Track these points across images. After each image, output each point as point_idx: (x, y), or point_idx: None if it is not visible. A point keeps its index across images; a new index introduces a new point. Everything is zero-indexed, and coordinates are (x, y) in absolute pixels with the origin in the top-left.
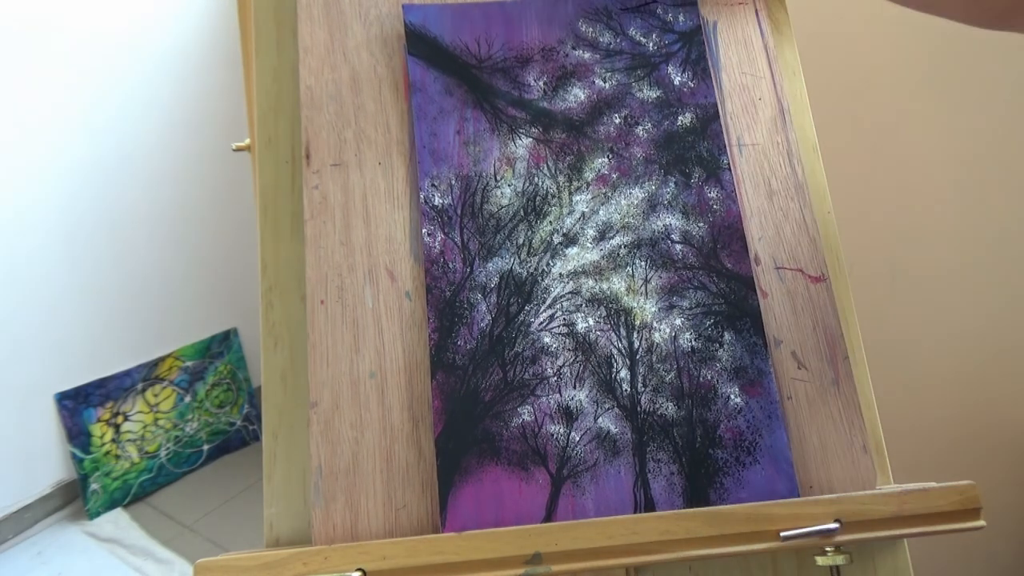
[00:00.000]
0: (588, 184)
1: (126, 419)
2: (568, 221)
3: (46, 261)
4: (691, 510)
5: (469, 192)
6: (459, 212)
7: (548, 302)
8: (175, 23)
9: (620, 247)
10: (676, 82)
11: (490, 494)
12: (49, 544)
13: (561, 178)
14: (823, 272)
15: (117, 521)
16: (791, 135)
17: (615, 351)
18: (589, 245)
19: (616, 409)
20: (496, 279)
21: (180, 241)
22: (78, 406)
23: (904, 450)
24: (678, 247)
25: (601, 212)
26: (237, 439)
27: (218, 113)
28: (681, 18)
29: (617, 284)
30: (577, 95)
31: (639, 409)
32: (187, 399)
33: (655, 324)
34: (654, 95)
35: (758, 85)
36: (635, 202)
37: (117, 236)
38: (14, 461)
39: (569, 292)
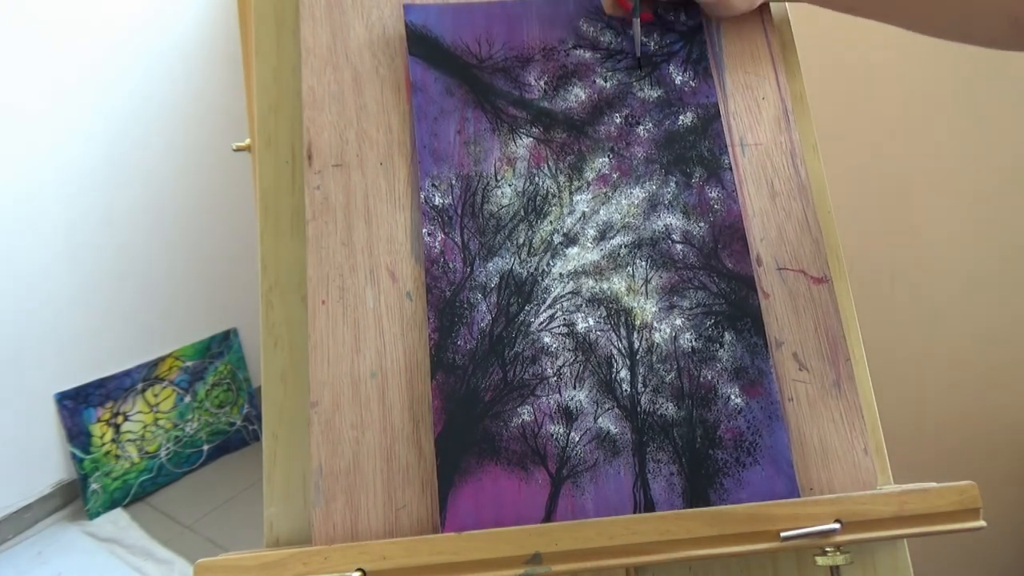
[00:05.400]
0: (589, 184)
1: (126, 419)
2: (568, 221)
3: (46, 261)
4: (691, 510)
5: (469, 192)
6: (459, 212)
7: (548, 302)
8: (175, 22)
9: (620, 247)
10: (677, 81)
11: (490, 494)
12: (49, 544)
13: (562, 178)
14: (825, 273)
15: (117, 521)
16: (794, 135)
17: (615, 351)
18: (589, 245)
19: (616, 409)
20: (496, 279)
21: (180, 241)
22: (78, 406)
23: (904, 450)
24: (679, 247)
25: (602, 212)
26: (237, 439)
27: (218, 113)
28: (683, 17)
29: (617, 284)
30: (578, 95)
31: (639, 409)
32: (187, 399)
33: (655, 324)
34: (655, 95)
35: (761, 85)
36: (636, 202)
37: (117, 236)
38: (14, 461)
39: (569, 292)
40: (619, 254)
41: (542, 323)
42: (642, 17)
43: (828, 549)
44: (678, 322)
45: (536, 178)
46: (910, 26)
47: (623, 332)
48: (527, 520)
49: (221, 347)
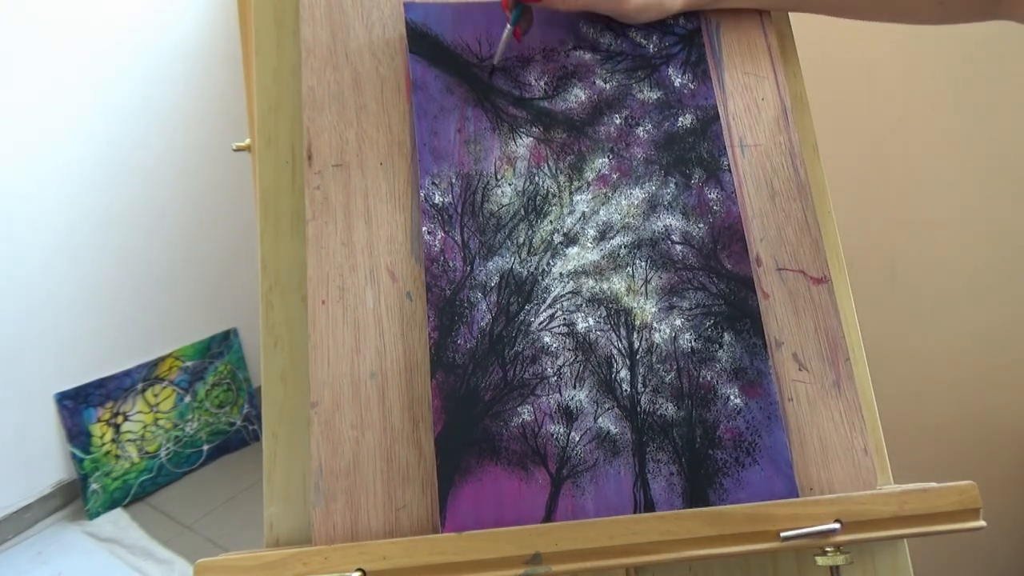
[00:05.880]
0: (589, 184)
1: (126, 419)
2: (568, 221)
3: (46, 261)
4: (691, 510)
5: (469, 191)
6: (459, 211)
7: (548, 302)
8: (175, 22)
9: (620, 247)
10: (676, 83)
11: (490, 494)
12: (49, 544)
13: (562, 178)
14: (825, 273)
15: (117, 521)
16: (793, 135)
17: (615, 351)
18: (589, 245)
19: (616, 409)
20: (496, 278)
21: (180, 241)
22: (78, 406)
23: (904, 450)
24: (678, 248)
25: (601, 212)
26: (237, 439)
27: (218, 113)
28: (682, 20)
29: (617, 284)
30: (578, 95)
31: (639, 409)
32: (187, 399)
33: (655, 324)
34: (654, 96)
35: (761, 85)
36: (635, 202)
37: (117, 236)
38: (14, 461)
39: (569, 292)
40: (619, 254)
41: (542, 323)
42: (515, 33)
43: (828, 549)
44: (678, 322)
45: (536, 178)
46: (843, 12)
47: (623, 332)
48: (527, 520)
49: (221, 347)
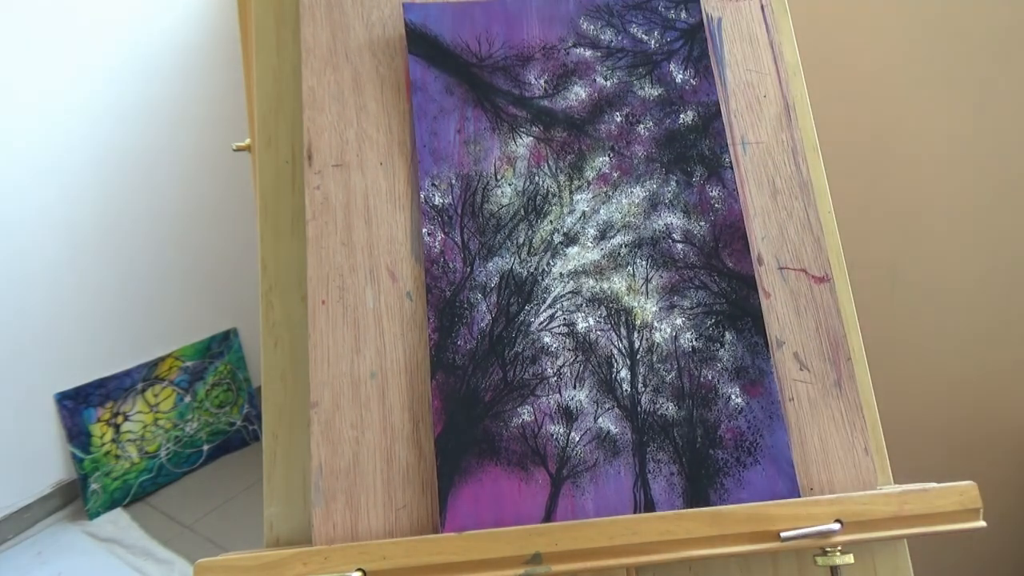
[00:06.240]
0: (589, 183)
1: (126, 419)
2: (569, 220)
3: (47, 261)
4: (692, 510)
5: (469, 191)
6: (459, 211)
7: (548, 302)
8: (176, 22)
9: (621, 246)
10: (678, 80)
11: (490, 494)
12: (49, 544)
13: (562, 177)
14: (827, 272)
15: (117, 521)
16: (796, 133)
17: (615, 351)
18: (590, 244)
19: (616, 409)
20: (496, 279)
21: (180, 241)
22: (78, 406)
23: (904, 450)
24: (679, 246)
25: (602, 211)
26: (237, 439)
27: (218, 113)
28: (683, 15)
29: (618, 284)
30: (578, 93)
31: (639, 409)
32: (187, 399)
33: (656, 324)
34: (655, 93)
35: (763, 82)
36: (636, 201)
37: (117, 236)
38: (14, 461)
39: (569, 292)
40: (619, 253)
41: (542, 323)
42: None
43: (828, 549)
44: (679, 321)
45: (536, 177)
46: None
47: (623, 332)
48: (527, 520)
49: (221, 347)
